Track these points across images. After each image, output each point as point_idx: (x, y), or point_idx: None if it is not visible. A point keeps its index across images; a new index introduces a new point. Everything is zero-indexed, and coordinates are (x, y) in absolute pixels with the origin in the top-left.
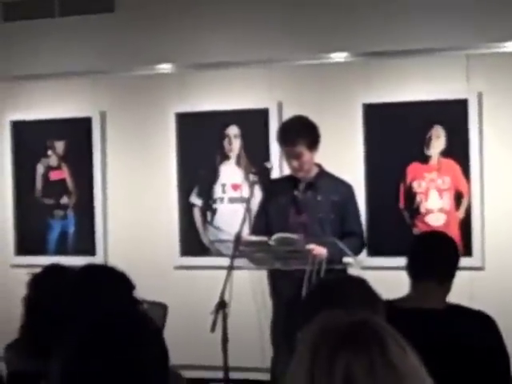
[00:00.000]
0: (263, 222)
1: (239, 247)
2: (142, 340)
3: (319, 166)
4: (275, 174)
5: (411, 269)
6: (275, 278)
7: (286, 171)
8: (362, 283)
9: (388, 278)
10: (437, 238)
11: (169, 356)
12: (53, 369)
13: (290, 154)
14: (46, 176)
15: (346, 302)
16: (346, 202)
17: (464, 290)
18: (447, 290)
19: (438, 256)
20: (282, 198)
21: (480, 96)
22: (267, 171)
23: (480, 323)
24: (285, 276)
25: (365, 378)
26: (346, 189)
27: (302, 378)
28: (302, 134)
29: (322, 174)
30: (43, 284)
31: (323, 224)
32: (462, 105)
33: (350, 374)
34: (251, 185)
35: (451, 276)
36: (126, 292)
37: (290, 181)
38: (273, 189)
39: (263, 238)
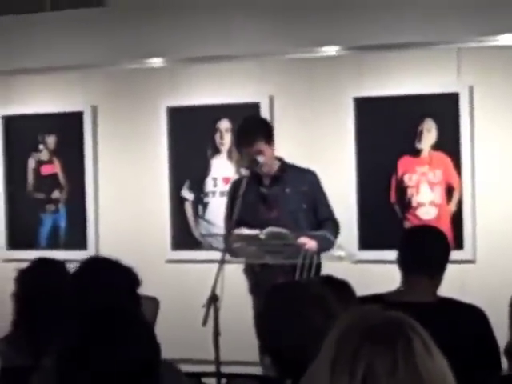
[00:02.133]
0: (233, 222)
1: (230, 241)
2: (133, 335)
3: (280, 159)
4: None
5: (402, 263)
6: (255, 274)
7: None
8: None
9: (379, 271)
10: (427, 231)
11: (160, 351)
12: (47, 364)
13: (252, 153)
14: (37, 170)
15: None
16: (314, 190)
17: (455, 283)
18: (438, 283)
19: (428, 250)
20: (248, 196)
21: (471, 89)
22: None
23: (471, 316)
24: (265, 270)
25: (385, 377)
26: (312, 177)
27: (325, 369)
28: (259, 131)
29: (285, 166)
30: (30, 278)
31: (296, 216)
32: (453, 98)
33: (371, 372)
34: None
35: (442, 269)
36: (127, 287)
37: (254, 178)
38: (236, 189)
39: (254, 232)
